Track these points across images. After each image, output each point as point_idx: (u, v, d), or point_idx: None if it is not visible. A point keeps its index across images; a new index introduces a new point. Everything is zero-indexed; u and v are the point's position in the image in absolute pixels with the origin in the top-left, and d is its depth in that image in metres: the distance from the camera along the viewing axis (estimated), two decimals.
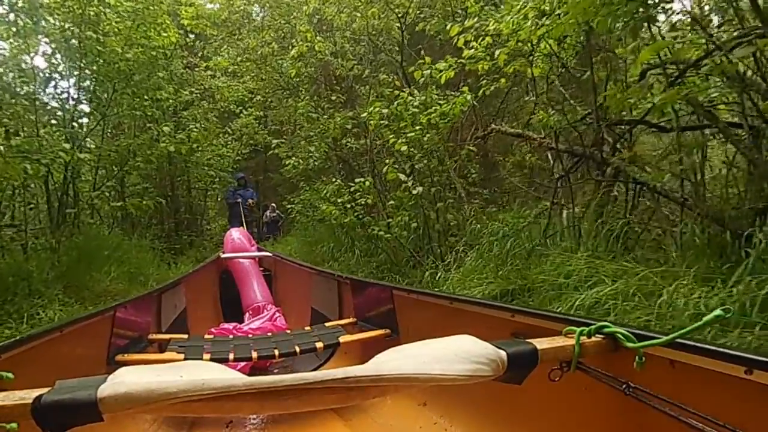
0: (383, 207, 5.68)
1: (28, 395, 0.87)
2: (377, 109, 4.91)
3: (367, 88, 7.47)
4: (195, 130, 8.32)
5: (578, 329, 1.14)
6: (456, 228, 4.75)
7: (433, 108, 4.56)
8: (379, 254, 5.61)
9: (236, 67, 9.48)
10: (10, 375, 1.16)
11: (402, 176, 4.69)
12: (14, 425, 0.94)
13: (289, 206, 9.12)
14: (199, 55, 10.80)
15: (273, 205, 12.82)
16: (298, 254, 7.51)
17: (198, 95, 10.04)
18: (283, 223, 13.01)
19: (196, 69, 10.56)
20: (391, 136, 4.81)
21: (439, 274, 3.97)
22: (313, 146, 7.64)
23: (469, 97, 4.50)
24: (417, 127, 4.58)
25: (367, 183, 5.28)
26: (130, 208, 6.36)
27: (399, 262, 5.13)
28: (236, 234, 5.53)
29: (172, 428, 2.02)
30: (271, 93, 9.69)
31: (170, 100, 8.20)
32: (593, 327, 1.15)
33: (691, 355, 0.99)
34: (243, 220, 8.72)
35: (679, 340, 1.01)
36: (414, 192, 4.56)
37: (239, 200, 9.61)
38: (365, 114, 5.12)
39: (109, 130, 7.74)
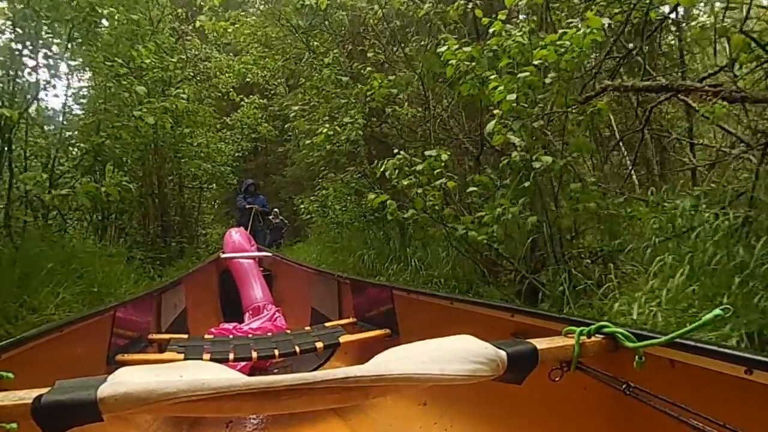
0: (457, 196, 4.19)
1: (27, 395, 0.87)
2: (454, 47, 3.42)
3: (409, 48, 5.87)
4: (183, 96, 6.47)
5: (578, 329, 1.14)
6: (585, 225, 3.28)
7: (557, 37, 3.02)
8: (444, 265, 4.34)
9: (237, 27, 7.77)
10: (11, 375, 1.16)
11: (515, 139, 3.12)
12: (14, 425, 0.94)
13: (301, 207, 7.83)
14: (192, 23, 8.90)
15: (276, 210, 12.43)
16: (326, 266, 6.06)
17: (191, 71, 8.59)
18: (287, 230, 12.72)
19: (188, 38, 8.92)
20: (493, 79, 3.17)
21: (640, 311, 2.25)
22: (347, 116, 5.69)
23: (606, 20, 3.09)
24: (536, 62, 3.03)
25: (445, 156, 3.57)
26: (80, 198, 4.42)
27: (490, 277, 3.76)
28: (236, 234, 5.54)
29: (172, 428, 2.03)
30: (281, 64, 7.69)
31: (155, 69, 6.41)
32: (593, 327, 1.15)
33: (691, 355, 0.99)
34: (248, 224, 8.02)
35: (678, 340, 1.01)
36: (538, 166, 2.95)
37: (250, 207, 8.57)
38: (444, 49, 3.57)
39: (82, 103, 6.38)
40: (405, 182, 3.68)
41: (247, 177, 10.54)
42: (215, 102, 10.14)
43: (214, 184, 10.60)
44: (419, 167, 3.60)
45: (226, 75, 9.34)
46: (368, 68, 5.45)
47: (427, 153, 3.71)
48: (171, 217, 9.17)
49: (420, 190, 3.63)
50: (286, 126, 7.62)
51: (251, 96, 10.35)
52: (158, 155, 8.05)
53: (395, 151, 3.86)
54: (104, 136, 5.20)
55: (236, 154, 10.81)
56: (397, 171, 3.76)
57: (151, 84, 6.75)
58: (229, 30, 7.89)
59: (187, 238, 9.39)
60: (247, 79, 9.32)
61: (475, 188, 3.53)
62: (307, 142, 6.04)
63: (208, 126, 9.49)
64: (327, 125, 5.48)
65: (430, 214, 3.73)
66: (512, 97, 3.03)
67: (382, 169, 3.82)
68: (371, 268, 5.36)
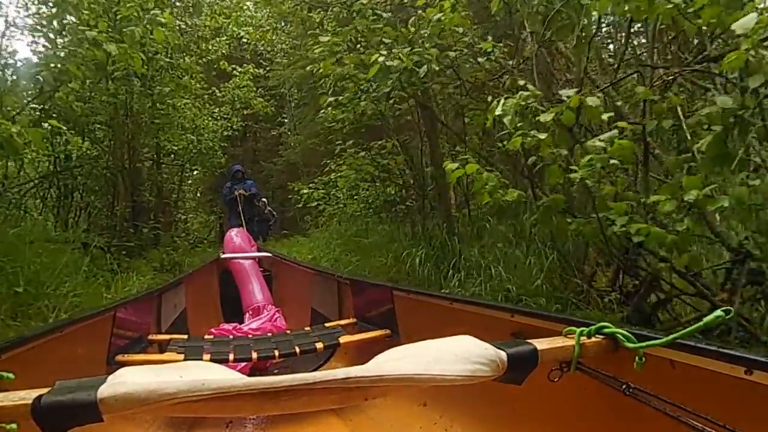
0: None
1: (28, 395, 0.87)
2: None
3: None
4: (162, 20, 4.74)
5: (578, 329, 1.14)
6: None
7: None
8: (532, 277, 3.08)
9: None
10: (11, 375, 1.16)
11: None
12: (14, 425, 0.94)
13: (302, 193, 6.76)
14: None
15: (264, 200, 11.83)
16: (350, 271, 4.66)
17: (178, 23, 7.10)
18: (275, 222, 12.19)
19: None
20: None
21: None
22: (396, 58, 3.54)
23: None
24: None
25: (594, 101, 2.21)
26: None
27: (592, 294, 2.74)
28: (236, 234, 5.53)
29: (172, 428, 2.03)
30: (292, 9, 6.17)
31: (129, 3, 4.75)
32: (593, 327, 1.15)
33: (691, 355, 0.99)
34: (242, 218, 7.33)
35: (679, 341, 1.01)
36: None
37: (238, 195, 7.64)
38: None
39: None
40: (540, 136, 2.24)
41: (235, 163, 9.22)
42: (203, 70, 8.80)
43: (199, 165, 9.21)
44: (544, 117, 2.24)
45: (218, 39, 8.20)
46: None
47: (563, 93, 2.34)
48: (145, 198, 7.63)
49: (559, 152, 2.26)
50: (314, 71, 5.08)
51: (245, 65, 9.20)
52: (132, 121, 6.55)
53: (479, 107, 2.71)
54: (43, 68, 3.67)
55: (225, 133, 9.42)
56: (518, 117, 2.36)
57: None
58: None
59: (163, 224, 7.89)
60: (244, 39, 8.23)
61: (615, 161, 2.12)
62: (329, 100, 4.45)
63: (194, 95, 8.12)
64: (383, 52, 3.57)
65: (574, 194, 2.40)
66: None
67: (497, 113, 2.39)
68: (422, 277, 3.85)
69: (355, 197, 6.18)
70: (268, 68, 10.05)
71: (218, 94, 9.22)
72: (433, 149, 4.49)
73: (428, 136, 4.74)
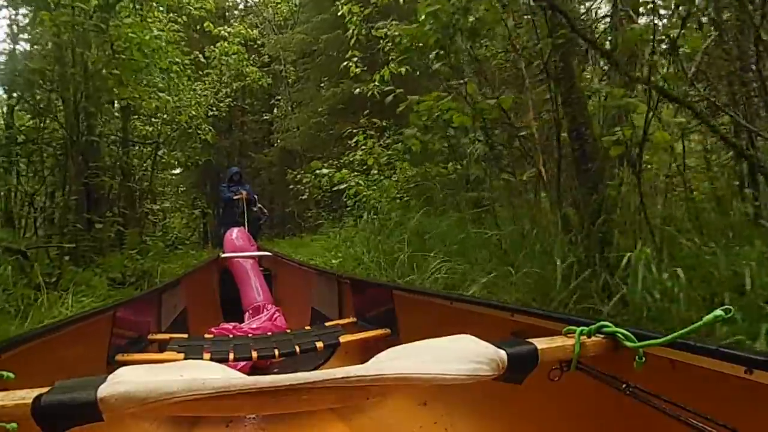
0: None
1: (27, 395, 0.87)
2: None
3: None
4: None
5: (578, 329, 1.14)
6: None
7: None
8: None
9: None
10: (11, 375, 1.16)
11: None
12: (14, 425, 0.93)
13: (320, 175, 5.39)
14: None
15: (254, 196, 11.28)
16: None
17: None
18: (266, 221, 11.64)
19: None
20: None
21: None
22: None
23: None
24: None
25: None
26: None
27: None
28: (236, 234, 5.53)
29: (172, 428, 2.03)
30: None
31: None
32: (593, 327, 1.15)
33: (691, 354, 0.99)
34: (245, 220, 6.96)
35: (679, 340, 1.01)
36: None
37: (235, 196, 7.16)
38: None
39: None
40: None
41: (220, 157, 8.52)
42: (182, 29, 6.94)
43: (178, 149, 7.41)
44: None
45: None
46: None
47: None
48: (104, 182, 5.66)
49: None
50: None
51: (235, 26, 7.74)
52: (82, 71, 4.57)
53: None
54: None
55: (211, 112, 7.70)
56: None
57: None
58: None
59: (130, 220, 6.11)
60: None
61: None
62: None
63: (171, 53, 6.28)
64: None
65: None
66: None
67: None
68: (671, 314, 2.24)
69: (393, 177, 4.79)
70: (260, 42, 8.96)
71: (203, 60, 7.53)
72: (568, 81, 2.74)
73: (564, 61, 2.90)
